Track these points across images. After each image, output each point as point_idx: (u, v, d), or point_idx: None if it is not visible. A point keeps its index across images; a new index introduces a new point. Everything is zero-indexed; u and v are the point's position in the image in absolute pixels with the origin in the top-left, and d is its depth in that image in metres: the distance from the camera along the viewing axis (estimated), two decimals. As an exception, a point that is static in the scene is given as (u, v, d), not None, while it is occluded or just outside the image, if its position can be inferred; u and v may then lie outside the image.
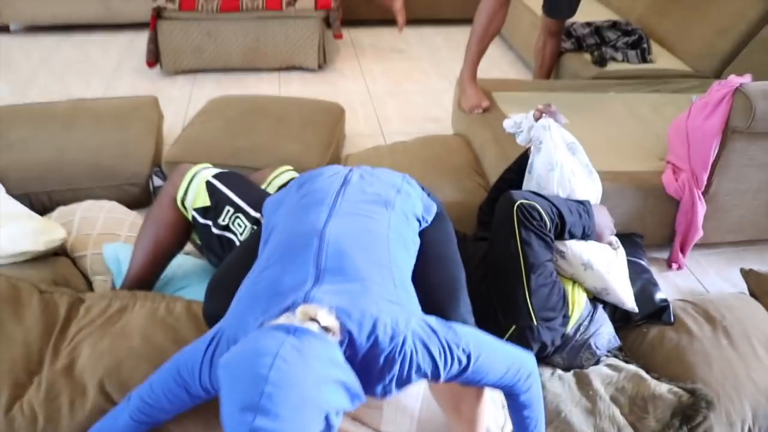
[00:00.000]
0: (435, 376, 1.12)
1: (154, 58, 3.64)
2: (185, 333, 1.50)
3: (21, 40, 4.16)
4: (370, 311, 1.09)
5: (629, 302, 1.83)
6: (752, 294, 2.09)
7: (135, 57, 3.91)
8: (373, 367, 1.08)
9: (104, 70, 3.76)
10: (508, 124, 1.96)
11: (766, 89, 2.01)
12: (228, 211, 1.73)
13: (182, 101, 3.39)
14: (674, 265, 2.31)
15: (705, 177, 2.12)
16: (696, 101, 2.14)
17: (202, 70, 3.75)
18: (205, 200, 1.73)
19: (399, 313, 1.12)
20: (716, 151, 2.10)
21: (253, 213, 1.72)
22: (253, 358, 0.92)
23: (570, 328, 1.75)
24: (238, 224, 1.72)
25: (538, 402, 1.32)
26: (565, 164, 1.84)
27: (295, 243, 1.27)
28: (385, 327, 1.08)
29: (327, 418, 0.94)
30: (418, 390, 1.57)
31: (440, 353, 1.11)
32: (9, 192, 2.15)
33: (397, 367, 1.08)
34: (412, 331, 1.10)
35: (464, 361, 1.13)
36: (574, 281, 1.85)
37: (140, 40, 3.95)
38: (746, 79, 2.07)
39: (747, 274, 2.15)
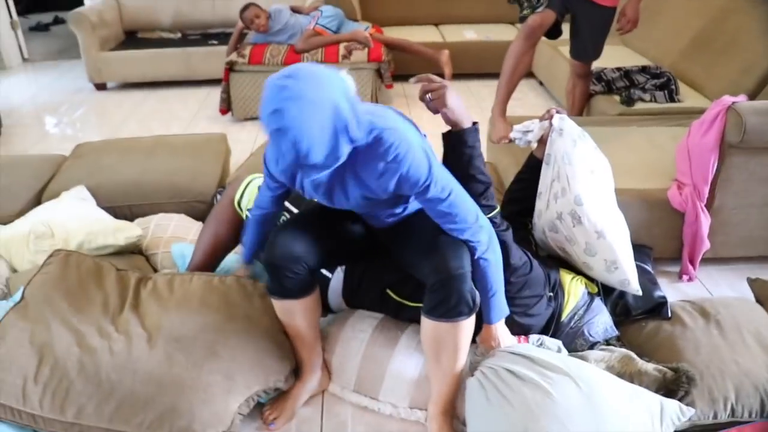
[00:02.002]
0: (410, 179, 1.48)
1: (226, 106, 4.12)
2: (234, 297, 1.82)
3: (115, 95, 4.79)
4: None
5: (633, 281, 1.99)
6: (757, 300, 2.23)
7: (210, 107, 4.43)
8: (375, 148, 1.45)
9: (183, 118, 4.27)
10: (516, 131, 2.19)
11: (757, 106, 2.22)
12: None
13: (248, 143, 3.82)
14: (685, 277, 2.47)
15: (706, 190, 2.31)
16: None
17: (268, 117, 4.20)
18: None
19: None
20: (715, 166, 2.29)
21: (295, 210, 2.04)
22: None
23: (565, 316, 1.95)
24: (283, 220, 2.04)
25: (496, 272, 1.65)
26: (577, 162, 2.03)
27: None
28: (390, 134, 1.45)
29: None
30: (417, 363, 1.82)
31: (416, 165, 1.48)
32: (98, 205, 2.56)
33: (389, 155, 1.44)
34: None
35: (442, 190, 1.52)
36: (575, 275, 2.07)
37: (215, 93, 4.47)
38: (740, 98, 2.27)
39: (753, 282, 2.28)
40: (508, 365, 1.65)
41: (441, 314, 1.59)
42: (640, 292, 2.02)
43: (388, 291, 1.92)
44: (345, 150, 1.36)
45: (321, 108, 1.28)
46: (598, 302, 2.01)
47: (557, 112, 2.13)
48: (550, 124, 2.12)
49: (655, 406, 1.66)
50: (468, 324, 1.64)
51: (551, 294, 1.94)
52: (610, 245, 1.96)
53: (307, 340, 1.81)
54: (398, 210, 1.72)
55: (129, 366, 1.62)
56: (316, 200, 1.95)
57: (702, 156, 2.29)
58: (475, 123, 1.78)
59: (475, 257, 1.60)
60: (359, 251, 1.90)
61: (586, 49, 3.24)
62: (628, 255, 2.02)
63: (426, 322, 1.64)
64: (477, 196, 1.70)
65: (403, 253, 1.76)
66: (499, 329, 1.76)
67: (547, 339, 1.87)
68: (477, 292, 1.63)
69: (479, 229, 1.59)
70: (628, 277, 1.99)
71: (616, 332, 2.01)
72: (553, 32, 3.14)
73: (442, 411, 1.73)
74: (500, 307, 1.72)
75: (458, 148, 1.77)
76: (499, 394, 1.62)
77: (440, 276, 1.56)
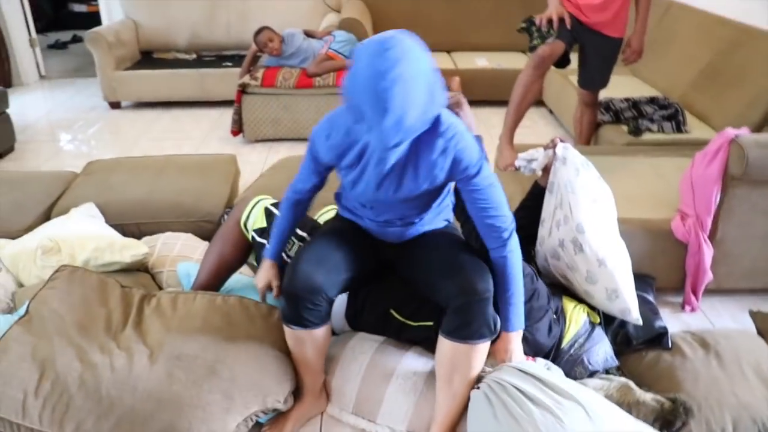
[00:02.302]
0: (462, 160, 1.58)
1: (237, 127, 4.18)
2: (237, 317, 1.84)
3: (129, 113, 4.87)
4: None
5: (634, 310, 2.00)
6: (759, 333, 2.22)
7: (222, 128, 4.49)
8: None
9: (195, 138, 4.34)
10: (521, 159, 2.21)
11: (760, 139, 2.23)
12: None
13: (258, 164, 3.86)
14: (687, 308, 2.47)
15: (709, 221, 2.32)
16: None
17: (278, 139, 4.26)
18: (262, 223, 2.09)
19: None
20: (718, 197, 2.30)
21: (300, 232, 2.06)
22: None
23: (565, 343, 1.95)
24: (289, 241, 2.06)
25: (517, 272, 1.69)
26: (579, 190, 2.05)
27: None
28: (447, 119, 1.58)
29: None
30: (416, 387, 1.82)
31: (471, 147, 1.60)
32: (107, 222, 2.60)
33: (449, 132, 1.56)
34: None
35: (488, 177, 1.63)
36: (577, 303, 2.07)
37: (228, 114, 4.53)
38: (743, 131, 2.29)
39: (755, 315, 2.28)
40: (517, 383, 1.64)
41: (462, 336, 1.62)
42: (640, 322, 2.02)
43: (392, 311, 1.93)
44: (431, 115, 1.46)
45: (426, 65, 1.40)
46: (599, 331, 2.01)
47: (561, 141, 2.15)
48: (554, 153, 2.14)
49: None
50: (485, 347, 1.67)
51: (554, 317, 1.94)
52: (611, 273, 1.97)
53: (312, 368, 1.82)
54: (417, 219, 1.78)
55: (129, 383, 1.64)
56: (332, 214, 1.93)
57: (705, 187, 2.30)
58: (478, 136, 1.82)
59: (505, 250, 1.67)
60: (369, 276, 1.92)
61: (593, 78, 3.28)
62: (629, 284, 2.02)
63: (444, 343, 1.66)
64: None
65: (418, 272, 1.79)
66: (515, 341, 1.75)
67: (552, 366, 1.88)
68: (498, 317, 1.66)
69: (512, 222, 1.67)
70: (628, 305, 2.00)
71: (616, 362, 2.00)
72: (562, 61, 3.18)
73: None
74: (519, 313, 1.72)
75: None
76: (508, 412, 1.60)
77: (466, 298, 1.59)
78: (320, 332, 1.74)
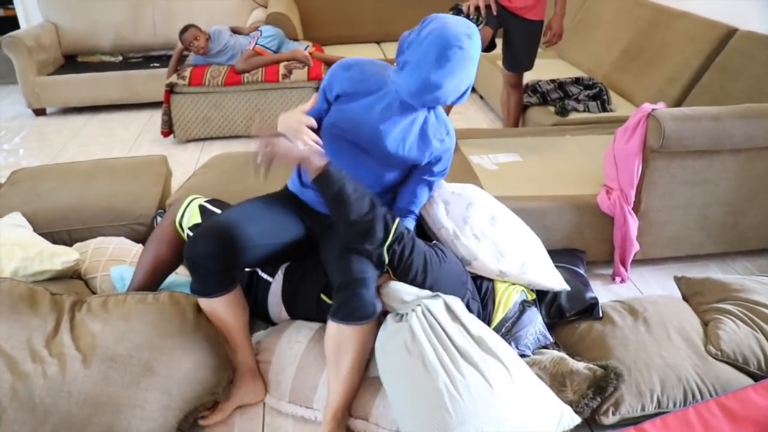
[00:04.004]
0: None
1: (167, 128, 4.11)
2: (168, 313, 1.83)
3: (55, 120, 4.71)
4: None
5: (557, 285, 2.08)
6: (684, 297, 2.33)
7: (152, 130, 4.40)
8: None
9: (125, 141, 4.24)
10: None
11: (675, 113, 2.33)
12: None
13: (190, 164, 3.81)
14: (617, 279, 2.56)
15: (632, 193, 2.41)
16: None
17: (209, 138, 4.21)
18: (197, 219, 2.07)
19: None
20: (640, 170, 2.39)
21: (218, 211, 2.08)
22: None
23: (493, 326, 1.98)
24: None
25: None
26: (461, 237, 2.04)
27: None
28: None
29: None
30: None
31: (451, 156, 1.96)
32: (35, 231, 2.52)
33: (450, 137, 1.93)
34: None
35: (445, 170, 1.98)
36: (510, 283, 2.11)
37: (158, 116, 4.44)
38: (659, 105, 2.39)
39: (679, 280, 2.39)
40: (446, 326, 1.72)
41: (343, 317, 1.68)
42: (567, 287, 2.12)
43: (322, 295, 1.95)
44: (450, 101, 1.70)
45: (475, 70, 1.70)
46: (529, 313, 2.04)
47: None
48: None
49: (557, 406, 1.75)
50: (369, 330, 1.73)
51: (476, 300, 1.98)
52: (517, 279, 2.05)
53: (237, 339, 1.87)
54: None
55: (64, 388, 1.61)
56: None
57: (627, 161, 2.39)
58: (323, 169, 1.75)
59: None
60: (286, 253, 1.96)
61: (520, 60, 3.36)
62: (541, 272, 2.10)
63: (330, 325, 1.72)
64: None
65: (325, 250, 1.88)
66: None
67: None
68: (379, 302, 1.74)
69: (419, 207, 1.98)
70: (546, 285, 2.10)
71: (550, 339, 2.06)
72: (488, 46, 3.24)
73: (334, 417, 1.76)
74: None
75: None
76: (437, 357, 1.66)
77: (343, 278, 1.68)
78: (227, 299, 1.82)
